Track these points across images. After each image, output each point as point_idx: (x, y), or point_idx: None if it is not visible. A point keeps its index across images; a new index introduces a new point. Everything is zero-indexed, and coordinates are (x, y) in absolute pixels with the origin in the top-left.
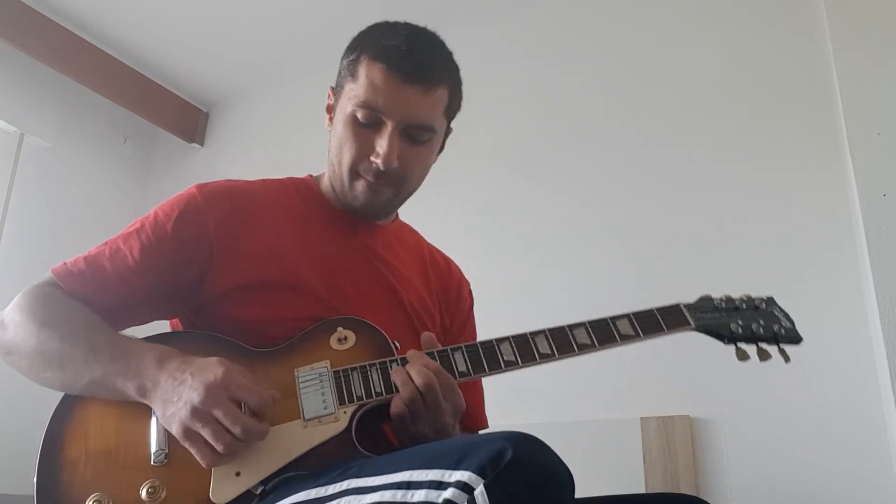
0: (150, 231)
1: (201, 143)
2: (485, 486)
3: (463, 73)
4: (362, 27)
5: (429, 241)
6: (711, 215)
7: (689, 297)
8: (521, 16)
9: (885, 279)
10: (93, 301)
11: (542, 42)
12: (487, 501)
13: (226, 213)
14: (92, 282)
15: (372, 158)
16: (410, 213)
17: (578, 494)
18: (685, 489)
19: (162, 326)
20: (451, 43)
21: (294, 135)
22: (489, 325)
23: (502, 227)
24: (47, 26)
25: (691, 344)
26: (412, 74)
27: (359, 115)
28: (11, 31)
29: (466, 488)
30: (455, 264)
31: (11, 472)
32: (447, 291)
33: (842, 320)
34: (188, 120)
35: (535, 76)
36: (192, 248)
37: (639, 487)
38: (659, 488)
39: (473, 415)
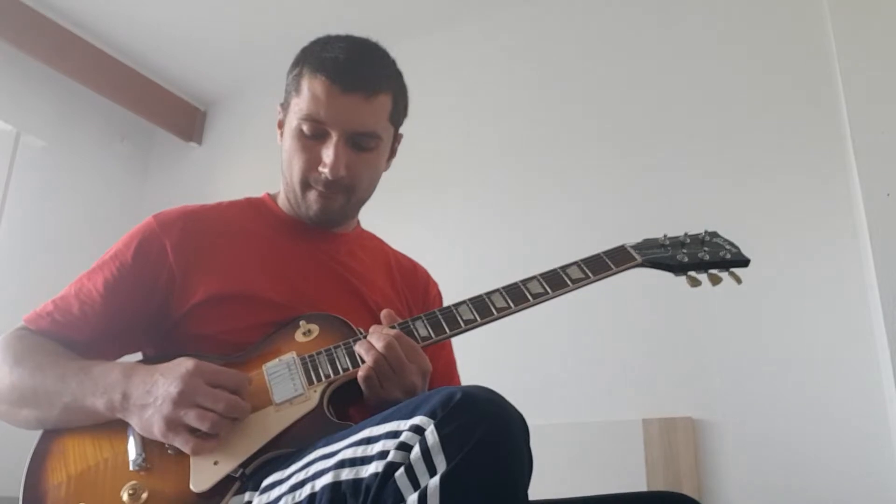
0: (112, 264)
1: (199, 142)
2: (435, 425)
3: (441, 73)
4: (361, 26)
5: (423, 239)
6: (713, 215)
7: (694, 298)
8: (505, 16)
9: (888, 279)
10: (64, 340)
11: (526, 37)
12: (437, 438)
13: (182, 236)
14: (61, 322)
15: (320, 169)
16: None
17: (577, 493)
18: (687, 490)
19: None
20: (443, 42)
21: None
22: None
23: (482, 228)
24: (44, 25)
25: (693, 345)
26: (352, 83)
27: (304, 128)
28: (8, 29)
29: (418, 430)
30: (421, 266)
31: (10, 474)
32: (415, 291)
33: (845, 321)
34: (186, 119)
35: (524, 73)
36: (153, 274)
37: (640, 489)
38: (661, 490)
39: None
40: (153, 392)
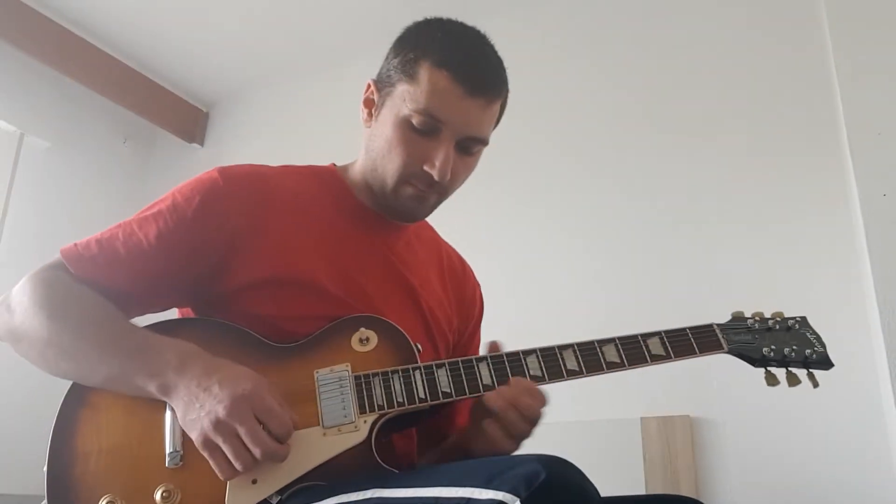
0: (169, 215)
1: (201, 143)
2: None
3: None
4: (363, 27)
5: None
6: (712, 216)
7: (693, 296)
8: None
9: (885, 279)
10: (104, 287)
11: (546, 41)
12: None
13: (248, 200)
14: (104, 267)
15: (426, 168)
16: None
17: None
18: (685, 489)
19: (172, 313)
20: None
21: (294, 134)
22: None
23: (515, 226)
24: (47, 26)
25: None
26: (477, 88)
27: (415, 121)
28: (12, 31)
29: None
30: (469, 267)
31: (20, 473)
32: (462, 294)
33: (842, 321)
34: (188, 120)
35: (552, 76)
36: (211, 237)
37: (639, 488)
38: (659, 489)
39: None
40: (203, 398)
